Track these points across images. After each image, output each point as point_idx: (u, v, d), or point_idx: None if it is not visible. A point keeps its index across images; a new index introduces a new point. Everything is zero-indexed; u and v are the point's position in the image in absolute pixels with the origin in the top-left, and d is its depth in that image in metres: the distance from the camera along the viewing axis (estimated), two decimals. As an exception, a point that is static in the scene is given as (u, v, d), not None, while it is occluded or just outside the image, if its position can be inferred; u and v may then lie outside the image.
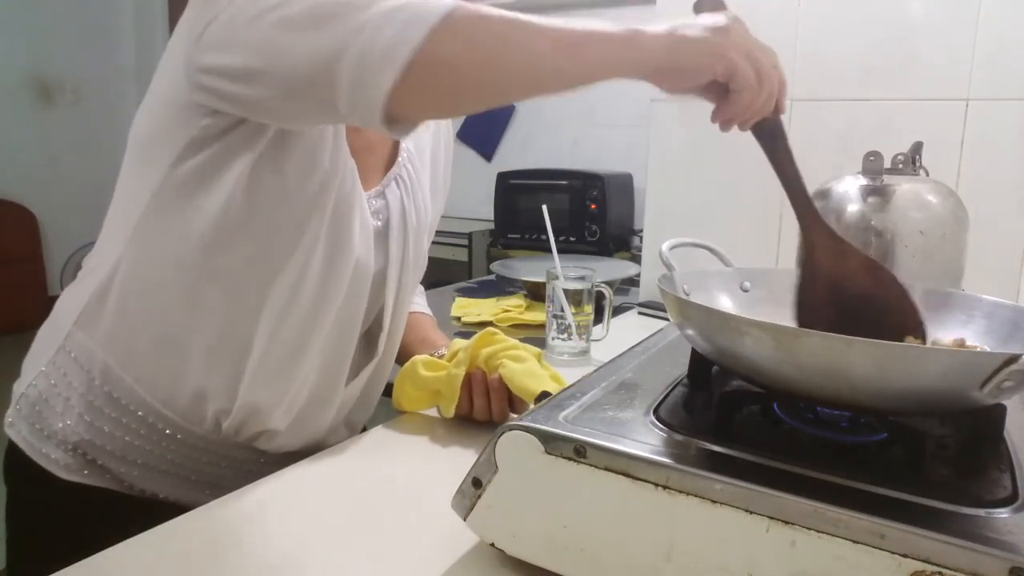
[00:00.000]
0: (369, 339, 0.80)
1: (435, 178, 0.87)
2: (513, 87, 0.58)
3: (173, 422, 0.70)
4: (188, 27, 0.60)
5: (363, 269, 0.73)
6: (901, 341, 0.54)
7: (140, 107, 0.70)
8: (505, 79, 0.56)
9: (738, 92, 0.57)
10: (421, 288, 1.05)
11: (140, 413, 0.70)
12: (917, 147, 0.92)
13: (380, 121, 0.54)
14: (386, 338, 0.81)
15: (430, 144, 0.86)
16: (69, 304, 0.72)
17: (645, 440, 0.48)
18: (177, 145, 0.64)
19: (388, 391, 0.85)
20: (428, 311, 1.01)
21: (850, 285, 0.59)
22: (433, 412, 0.82)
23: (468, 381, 0.78)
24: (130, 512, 0.60)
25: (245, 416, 0.70)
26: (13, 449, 0.71)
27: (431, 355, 0.87)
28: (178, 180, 0.65)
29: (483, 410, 0.78)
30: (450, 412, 0.78)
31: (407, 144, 0.81)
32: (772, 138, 0.61)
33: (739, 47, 0.56)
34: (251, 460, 0.74)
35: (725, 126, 0.61)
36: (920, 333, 0.56)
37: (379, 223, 0.76)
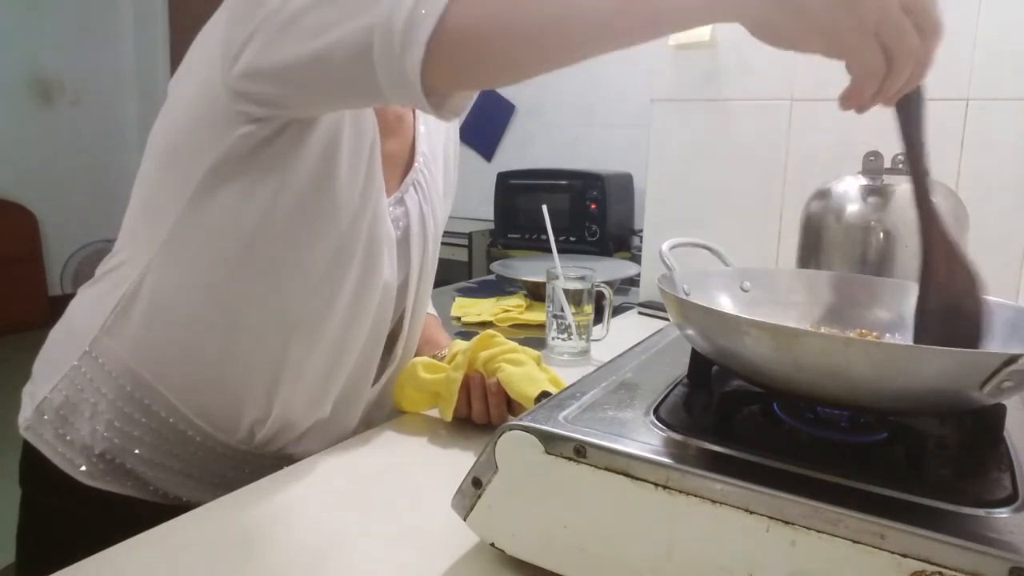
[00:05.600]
0: (389, 343, 0.81)
1: (447, 180, 0.87)
2: (555, 50, 0.51)
3: (205, 432, 0.70)
4: (223, 37, 0.60)
5: (390, 280, 0.74)
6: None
7: (162, 113, 0.69)
8: (543, 41, 0.50)
9: (860, 83, 0.47)
10: None
11: (172, 420, 0.70)
12: (917, 147, 0.92)
13: (423, 99, 0.52)
14: (405, 341, 0.82)
15: (443, 144, 0.85)
16: (90, 309, 0.71)
17: (645, 440, 0.48)
18: (213, 155, 0.63)
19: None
20: (433, 311, 1.02)
21: (963, 303, 0.53)
22: (433, 412, 0.82)
23: (466, 384, 0.78)
24: (151, 516, 0.59)
25: (280, 427, 0.71)
26: (32, 453, 0.71)
27: (433, 356, 0.87)
28: (214, 192, 0.64)
29: (481, 414, 0.78)
30: (448, 416, 0.78)
31: (423, 148, 0.80)
32: (908, 112, 0.50)
33: (864, 20, 0.44)
34: (276, 466, 0.73)
35: (860, 111, 0.51)
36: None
37: (399, 232, 0.76)
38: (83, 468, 0.69)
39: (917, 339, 0.55)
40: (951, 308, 0.53)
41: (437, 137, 0.84)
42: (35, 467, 0.71)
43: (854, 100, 0.49)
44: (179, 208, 0.65)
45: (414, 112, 0.81)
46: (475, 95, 0.60)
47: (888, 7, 0.45)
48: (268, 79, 0.58)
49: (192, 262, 0.67)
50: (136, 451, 0.69)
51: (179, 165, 0.66)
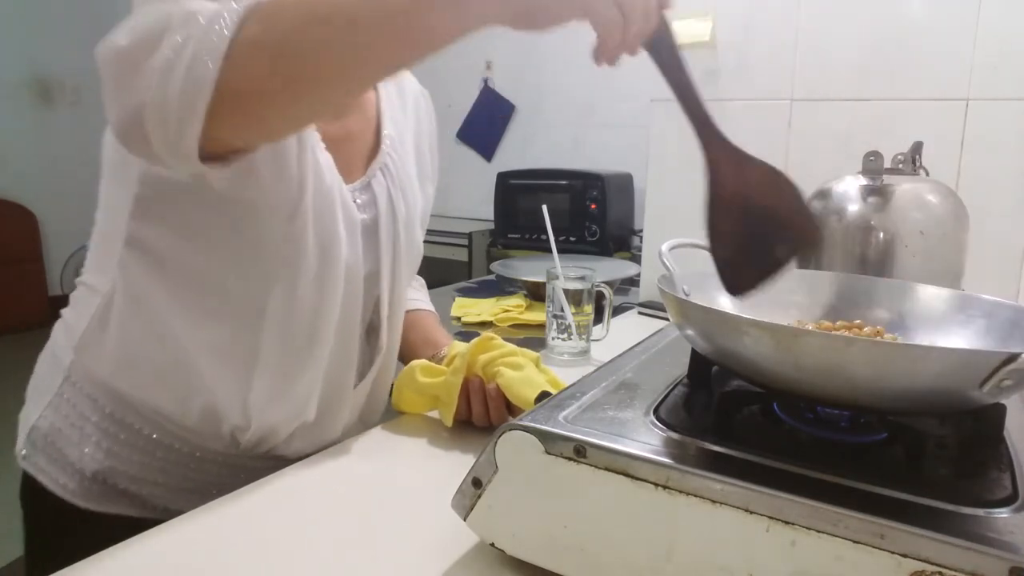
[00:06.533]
0: (370, 336, 0.80)
1: (422, 166, 0.85)
2: (335, 93, 0.53)
3: (189, 441, 0.70)
4: None
5: (354, 266, 0.72)
6: (802, 249, 0.56)
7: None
8: (323, 88, 0.51)
9: (603, 35, 0.51)
10: (422, 282, 1.04)
11: (155, 436, 0.69)
12: (917, 147, 0.92)
13: (200, 165, 0.51)
14: (387, 333, 0.80)
15: (412, 130, 0.84)
16: (66, 333, 0.71)
17: (645, 440, 0.48)
18: (138, 166, 0.62)
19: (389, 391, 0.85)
20: (430, 307, 1.00)
21: (755, 196, 0.57)
22: (433, 413, 0.82)
23: (466, 388, 0.78)
24: None
25: (260, 430, 0.70)
26: (30, 480, 0.70)
27: (432, 357, 0.87)
28: (150, 204, 0.64)
29: (481, 417, 0.78)
30: (449, 421, 0.77)
31: (387, 129, 0.78)
32: (663, 54, 0.55)
33: None
34: (269, 468, 0.72)
35: (610, 63, 0.55)
36: (817, 238, 0.54)
37: (367, 217, 0.74)
38: (79, 492, 0.68)
39: (711, 243, 0.60)
40: (743, 206, 0.58)
41: (405, 122, 0.82)
42: (33, 494, 0.71)
43: (603, 52, 0.53)
44: (125, 222, 0.65)
45: (376, 88, 0.79)
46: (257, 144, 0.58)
47: None
48: None
49: (149, 275, 0.66)
50: (127, 471, 0.69)
51: (118, 179, 0.66)
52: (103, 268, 0.69)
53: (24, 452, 0.71)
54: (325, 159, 0.68)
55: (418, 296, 0.99)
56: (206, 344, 0.67)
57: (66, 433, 0.69)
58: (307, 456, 0.73)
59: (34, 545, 0.74)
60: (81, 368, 0.69)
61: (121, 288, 0.67)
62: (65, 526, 0.70)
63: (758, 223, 0.57)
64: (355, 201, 0.73)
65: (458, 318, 1.37)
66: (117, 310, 0.67)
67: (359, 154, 0.76)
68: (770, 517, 0.41)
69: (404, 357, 0.89)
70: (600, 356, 1.05)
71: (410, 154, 0.83)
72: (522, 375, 0.76)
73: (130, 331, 0.67)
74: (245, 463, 0.72)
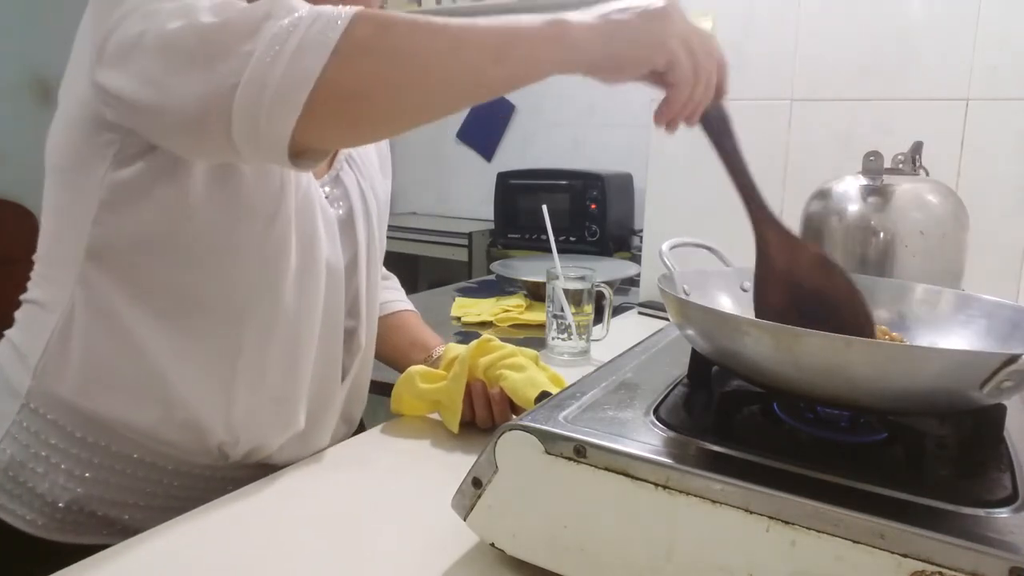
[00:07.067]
0: (348, 335, 0.77)
1: (381, 158, 0.84)
2: (434, 104, 0.52)
3: (173, 457, 0.66)
4: (90, 35, 0.55)
5: (334, 263, 0.70)
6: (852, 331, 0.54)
7: (52, 126, 0.63)
8: (424, 98, 0.51)
9: (676, 87, 0.54)
10: (395, 279, 1.01)
11: (136, 455, 0.64)
12: (917, 147, 0.92)
13: (286, 159, 0.49)
14: (365, 329, 0.78)
15: None
16: (17, 358, 0.65)
17: (645, 440, 0.48)
18: (102, 166, 0.59)
19: (387, 391, 0.84)
20: (410, 305, 0.97)
21: (804, 281, 0.57)
22: (434, 414, 0.82)
23: (468, 392, 0.77)
24: None
25: (249, 442, 0.67)
26: None
27: (425, 360, 0.86)
28: (115, 204, 0.59)
29: (485, 420, 0.77)
30: (455, 428, 0.77)
31: None
32: (718, 129, 0.58)
33: (678, 34, 0.52)
34: (258, 477, 0.68)
35: (670, 128, 0.57)
36: (870, 331, 0.55)
37: (341, 211, 0.73)
38: (49, 526, 0.63)
39: (757, 315, 0.59)
40: (792, 289, 0.58)
41: None
42: None
43: (670, 109, 0.56)
44: (85, 233, 0.61)
45: None
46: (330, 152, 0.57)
47: (685, 22, 0.54)
48: (114, 100, 0.53)
49: (117, 286, 0.62)
50: (104, 495, 0.64)
51: (75, 183, 0.61)
52: (56, 283, 0.64)
53: None
54: None
55: (396, 296, 0.96)
56: (182, 355, 0.63)
57: (30, 465, 0.63)
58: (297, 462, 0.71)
59: None
60: (41, 393, 0.63)
61: (82, 303, 0.62)
62: (28, 563, 0.58)
63: (806, 304, 0.57)
64: (326, 196, 0.71)
65: (458, 318, 1.37)
66: (79, 327, 0.62)
67: None
68: (770, 517, 0.41)
69: (395, 362, 0.88)
70: (600, 356, 1.05)
71: (371, 146, 0.82)
72: (525, 376, 0.76)
73: (97, 348, 0.62)
74: (233, 475, 0.69)
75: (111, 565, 0.53)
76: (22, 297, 0.68)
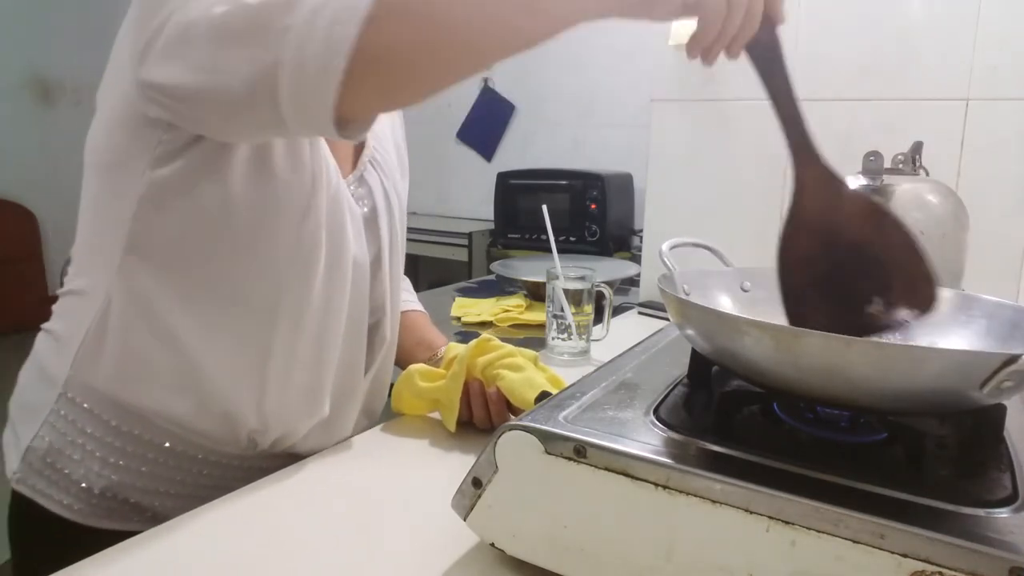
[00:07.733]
0: (372, 329, 0.79)
1: (400, 159, 0.86)
2: (470, 60, 0.52)
3: (204, 446, 0.68)
4: (132, 38, 0.57)
5: (360, 260, 0.72)
6: (904, 297, 0.50)
7: (92, 127, 0.66)
8: (459, 54, 0.51)
9: (705, 18, 0.53)
10: (409, 283, 1.03)
11: (168, 444, 0.67)
12: (917, 147, 0.92)
13: (333, 128, 0.50)
14: (390, 323, 0.81)
15: (388, 124, 0.84)
16: (56, 348, 0.67)
17: (645, 440, 0.48)
18: (143, 164, 0.61)
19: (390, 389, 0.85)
20: (420, 307, 0.99)
21: (845, 230, 0.53)
22: (434, 413, 0.82)
23: (466, 391, 0.78)
24: None
25: (278, 430, 0.69)
26: (24, 503, 0.66)
27: (429, 359, 0.87)
28: (155, 200, 0.62)
29: (483, 420, 0.78)
30: (452, 426, 0.77)
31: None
32: (765, 58, 0.56)
33: None
34: (284, 465, 0.71)
35: (707, 60, 0.56)
36: (927, 292, 0.50)
37: (366, 209, 0.75)
38: (84, 511, 0.65)
39: (779, 265, 0.55)
40: (826, 240, 0.54)
41: (383, 115, 0.82)
42: (28, 517, 0.67)
43: (698, 42, 0.55)
44: (125, 227, 0.63)
45: None
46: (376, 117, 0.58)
47: None
48: (160, 93, 0.55)
49: (156, 280, 0.64)
50: (136, 483, 0.66)
51: (116, 181, 0.63)
52: (94, 274, 0.66)
53: (18, 475, 0.67)
54: (327, 153, 0.68)
55: (408, 297, 0.99)
56: (217, 347, 0.65)
57: (67, 452, 0.66)
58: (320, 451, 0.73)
59: (23, 570, 0.70)
60: (79, 382, 0.66)
61: (121, 295, 0.64)
62: (66, 547, 0.62)
63: (844, 260, 0.53)
64: (352, 194, 0.73)
65: (458, 318, 1.37)
66: (117, 319, 0.64)
67: (347, 148, 0.76)
68: (770, 517, 0.41)
69: (400, 360, 0.89)
70: (600, 356, 1.05)
71: (390, 144, 0.83)
72: (523, 376, 0.76)
73: (134, 339, 0.64)
74: (261, 464, 0.71)
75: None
76: (59, 291, 0.70)
